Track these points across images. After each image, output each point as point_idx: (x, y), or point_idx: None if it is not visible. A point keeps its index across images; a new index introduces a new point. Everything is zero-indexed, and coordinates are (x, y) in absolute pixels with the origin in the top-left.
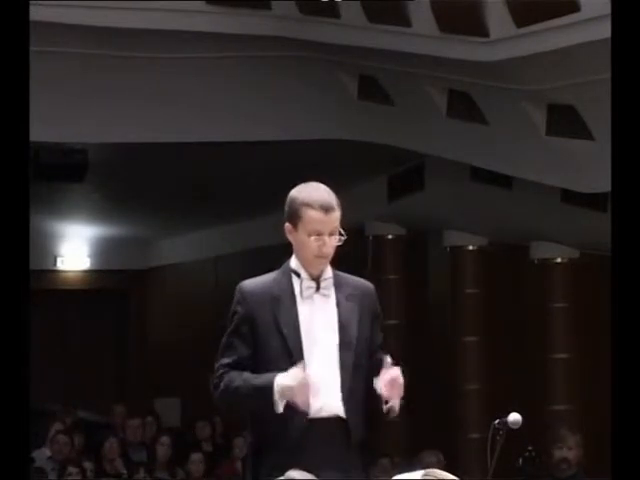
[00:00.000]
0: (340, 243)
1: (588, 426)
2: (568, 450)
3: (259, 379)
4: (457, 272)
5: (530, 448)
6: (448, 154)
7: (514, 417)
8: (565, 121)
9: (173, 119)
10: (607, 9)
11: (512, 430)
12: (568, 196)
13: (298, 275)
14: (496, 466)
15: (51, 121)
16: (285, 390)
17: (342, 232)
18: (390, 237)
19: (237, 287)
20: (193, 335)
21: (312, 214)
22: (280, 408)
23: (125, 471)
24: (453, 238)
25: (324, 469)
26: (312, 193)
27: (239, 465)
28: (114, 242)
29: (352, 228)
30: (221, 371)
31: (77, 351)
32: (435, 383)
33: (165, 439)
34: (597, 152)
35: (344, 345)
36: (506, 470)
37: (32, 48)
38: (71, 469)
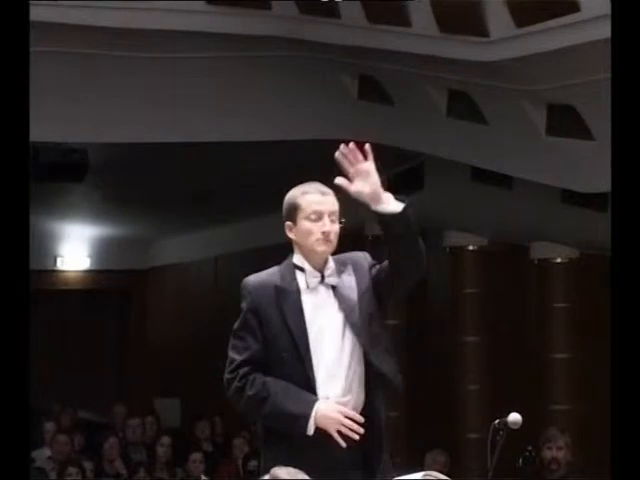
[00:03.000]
0: (341, 226)
1: (588, 426)
2: (557, 450)
3: (292, 400)
4: (457, 272)
5: (530, 448)
6: (448, 154)
7: (514, 417)
8: (565, 121)
9: (173, 119)
10: (607, 9)
11: (512, 430)
12: (568, 196)
13: (302, 270)
14: (496, 466)
15: (51, 121)
16: (322, 418)
17: (342, 220)
18: None
19: (242, 283)
20: (193, 335)
21: (310, 197)
22: (311, 431)
23: (125, 471)
24: (453, 238)
25: (329, 466)
26: (306, 185)
27: (239, 465)
28: (114, 242)
29: (352, 228)
30: (241, 372)
31: (77, 351)
32: (435, 383)
33: (165, 439)
34: (597, 152)
35: (350, 329)
36: (506, 470)
37: (32, 48)
38: (71, 469)
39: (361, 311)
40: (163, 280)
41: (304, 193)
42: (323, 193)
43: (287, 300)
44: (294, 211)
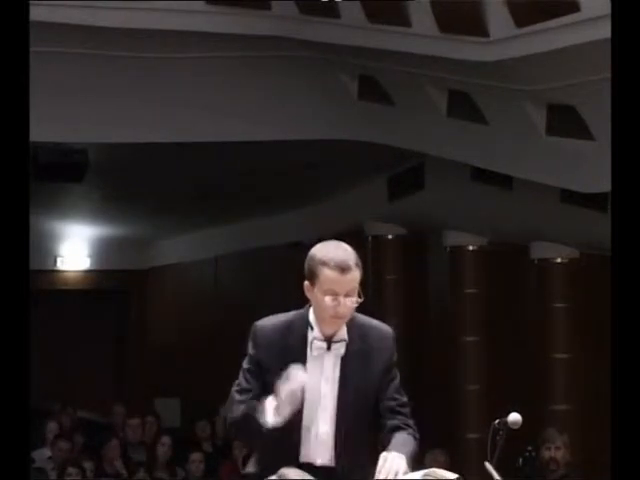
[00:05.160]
0: (357, 305)
1: (588, 426)
2: (556, 450)
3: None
4: (457, 272)
5: (530, 448)
6: (448, 154)
7: (514, 417)
8: (565, 121)
9: (173, 119)
10: (607, 9)
11: (512, 430)
12: (568, 196)
13: (312, 329)
14: (496, 466)
15: (51, 121)
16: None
17: (360, 294)
18: (390, 237)
19: (252, 326)
20: (193, 335)
21: (328, 274)
22: (271, 421)
23: (125, 471)
24: (453, 238)
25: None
26: (330, 252)
27: (239, 465)
28: (114, 242)
29: (352, 228)
30: (234, 405)
31: (77, 351)
32: (435, 383)
33: (165, 439)
34: (597, 152)
35: (342, 402)
36: (506, 470)
37: (32, 48)
38: (71, 469)
39: (358, 399)
40: (163, 280)
41: (323, 265)
42: (342, 270)
43: (292, 360)
44: (312, 277)
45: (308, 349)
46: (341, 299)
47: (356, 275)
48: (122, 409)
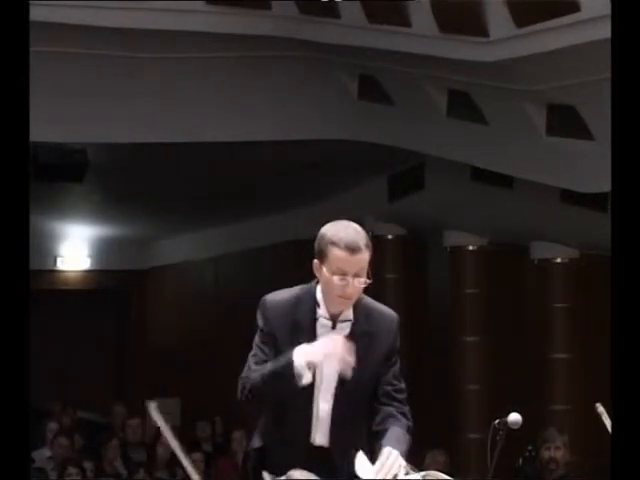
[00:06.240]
0: (365, 285)
1: (588, 426)
2: (556, 450)
3: (271, 365)
4: (457, 272)
5: (530, 448)
6: (448, 154)
7: (514, 417)
8: (565, 121)
9: (173, 119)
10: (607, 9)
11: (512, 430)
12: (568, 196)
13: (319, 307)
14: (496, 466)
15: (51, 121)
16: (308, 353)
17: (369, 274)
18: (390, 237)
19: (261, 300)
20: (193, 335)
21: (337, 253)
22: (307, 377)
23: (125, 471)
24: (453, 238)
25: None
26: (340, 232)
27: (238, 460)
28: (114, 242)
29: None
30: (252, 373)
31: (77, 351)
32: (435, 383)
33: (165, 439)
34: (597, 152)
35: (343, 382)
36: (506, 470)
37: (32, 48)
38: (71, 469)
39: (358, 381)
40: (163, 280)
41: (332, 244)
42: (352, 251)
43: (302, 335)
44: (321, 256)
45: (318, 325)
46: (349, 279)
47: (365, 256)
48: (122, 409)
